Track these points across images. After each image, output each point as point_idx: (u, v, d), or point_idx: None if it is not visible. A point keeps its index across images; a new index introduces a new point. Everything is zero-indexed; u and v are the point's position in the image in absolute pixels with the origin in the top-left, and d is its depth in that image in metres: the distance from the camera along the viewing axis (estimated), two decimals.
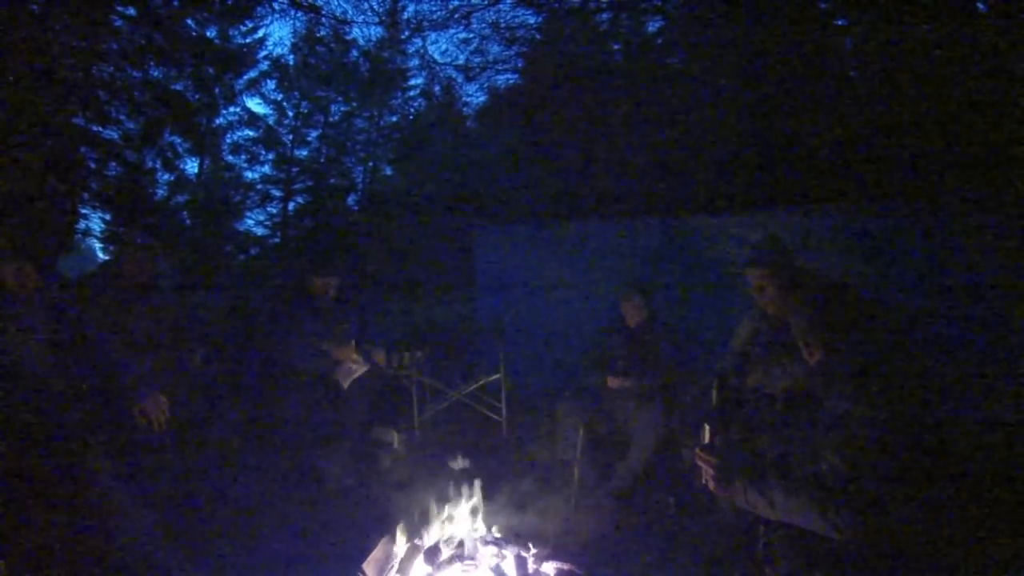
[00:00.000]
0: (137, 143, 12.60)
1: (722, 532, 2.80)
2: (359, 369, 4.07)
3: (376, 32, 16.98)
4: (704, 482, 2.02)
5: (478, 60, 10.88)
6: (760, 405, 2.75)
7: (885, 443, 1.68)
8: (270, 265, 16.00)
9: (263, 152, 18.39)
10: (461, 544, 2.55)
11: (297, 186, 18.84)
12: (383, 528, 2.63)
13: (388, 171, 19.93)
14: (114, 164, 12.04)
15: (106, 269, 3.44)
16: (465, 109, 17.46)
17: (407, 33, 15.32)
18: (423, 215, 14.95)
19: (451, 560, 2.45)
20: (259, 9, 13.05)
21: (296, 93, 18.62)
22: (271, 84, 18.20)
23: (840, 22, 8.90)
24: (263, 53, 17.59)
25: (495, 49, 10.60)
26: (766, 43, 8.04)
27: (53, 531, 2.04)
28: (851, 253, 4.98)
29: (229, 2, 13.19)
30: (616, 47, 12.23)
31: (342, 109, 19.33)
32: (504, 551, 2.53)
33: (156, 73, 11.87)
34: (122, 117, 11.83)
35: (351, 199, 19.67)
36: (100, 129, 11.43)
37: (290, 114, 18.72)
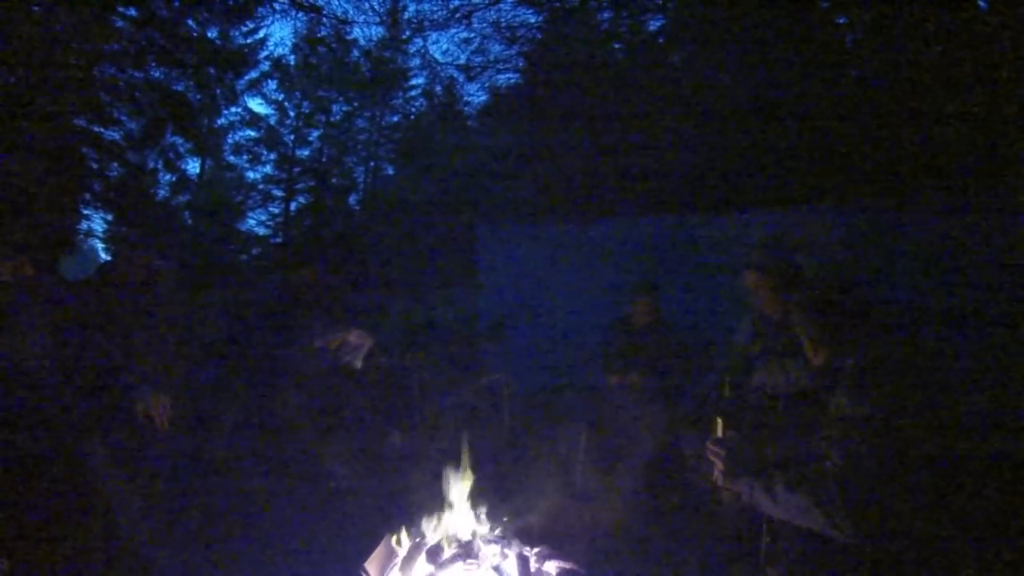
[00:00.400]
0: (138, 144, 12.60)
1: (724, 531, 2.79)
2: (363, 345, 4.03)
3: (377, 32, 16.98)
4: (713, 475, 2.01)
5: (479, 60, 10.89)
6: (763, 404, 2.74)
7: (888, 443, 1.67)
8: (272, 265, 16.02)
9: (264, 152, 18.43)
10: (463, 543, 2.54)
11: (299, 186, 18.87)
12: (385, 527, 2.63)
13: (389, 171, 19.95)
14: (116, 165, 12.04)
15: (108, 270, 3.43)
16: (466, 109, 17.47)
17: (408, 33, 15.33)
18: (425, 215, 14.94)
19: (453, 559, 2.44)
20: (260, 9, 13.03)
21: (297, 93, 18.65)
22: (272, 84, 18.25)
23: (841, 20, 8.90)
24: (264, 53, 17.64)
25: (496, 48, 10.61)
26: (767, 42, 8.03)
27: (56, 528, 2.04)
28: (854, 252, 4.97)
29: (230, 3, 13.19)
30: (617, 46, 12.22)
31: (343, 109, 19.35)
32: (506, 550, 2.52)
33: (157, 74, 11.86)
34: (123, 118, 11.84)
35: (353, 199, 19.70)
36: (101, 130, 11.44)
37: (291, 114, 18.75)
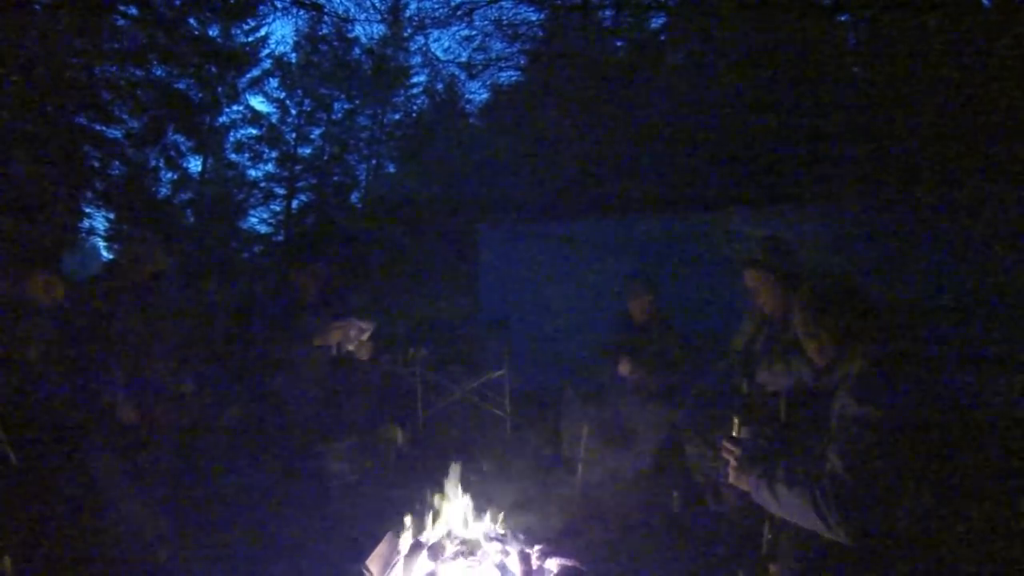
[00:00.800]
0: (140, 142, 12.61)
1: (726, 528, 2.80)
2: (365, 332, 4.02)
3: (378, 30, 17.01)
4: (719, 472, 2.01)
5: (480, 57, 10.86)
6: (764, 403, 2.75)
7: (891, 446, 1.67)
8: (274, 263, 16.04)
9: (266, 150, 18.43)
10: (465, 540, 2.55)
11: (300, 184, 18.88)
12: (387, 524, 2.63)
13: (391, 169, 19.94)
14: (117, 163, 12.06)
15: (110, 268, 3.44)
16: (468, 107, 17.47)
17: (409, 31, 15.33)
18: (426, 213, 14.94)
19: (455, 556, 2.45)
20: (262, 7, 13.07)
21: (299, 91, 18.64)
22: (274, 82, 18.24)
23: (843, 18, 8.88)
24: (266, 51, 17.64)
25: (497, 46, 10.58)
26: (768, 40, 8.02)
27: (56, 526, 2.05)
28: (856, 250, 4.96)
29: (232, 1, 13.19)
30: (618, 44, 12.21)
31: (345, 107, 19.35)
32: (508, 547, 2.53)
33: (159, 72, 11.88)
34: (125, 116, 11.85)
35: (354, 197, 19.70)
36: (103, 128, 11.45)
37: (293, 112, 18.76)
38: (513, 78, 12.13)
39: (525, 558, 2.44)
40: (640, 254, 5.85)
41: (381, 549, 2.45)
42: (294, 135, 18.78)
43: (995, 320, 4.44)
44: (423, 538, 2.55)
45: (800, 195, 7.44)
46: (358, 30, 17.29)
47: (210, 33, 14.22)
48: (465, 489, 2.77)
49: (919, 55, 7.21)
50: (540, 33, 11.03)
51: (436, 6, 9.48)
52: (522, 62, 11.50)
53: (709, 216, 5.82)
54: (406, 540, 2.52)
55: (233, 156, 18.20)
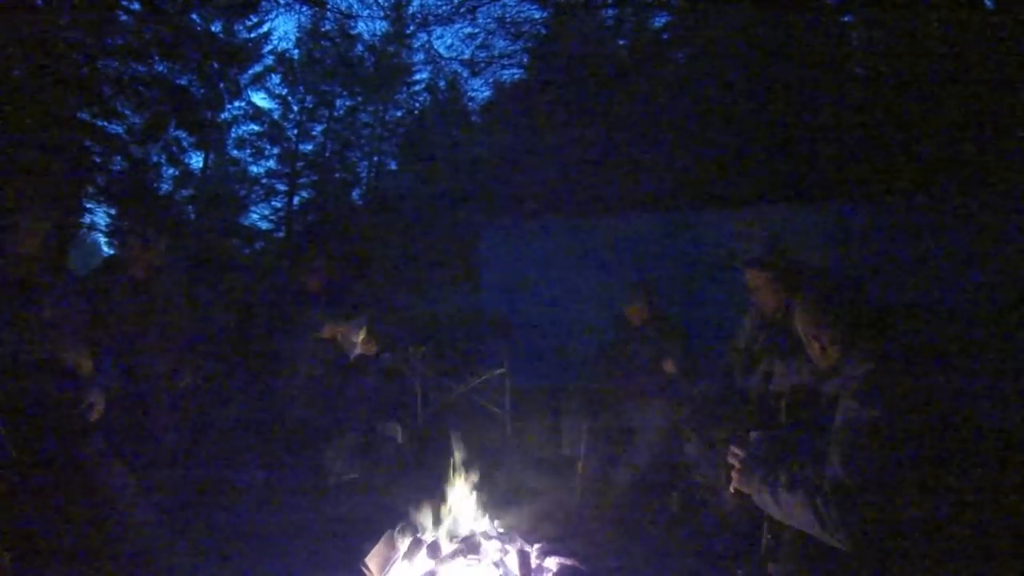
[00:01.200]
0: (142, 138, 12.61)
1: (725, 528, 2.80)
2: (359, 336, 4.03)
3: (381, 27, 16.94)
4: (728, 476, 2.00)
5: (483, 55, 10.83)
6: (764, 404, 2.74)
7: (894, 450, 1.66)
8: (275, 259, 16.04)
9: (268, 147, 18.41)
10: (464, 539, 2.55)
11: (302, 181, 18.86)
12: (386, 523, 2.63)
13: (393, 166, 19.92)
14: (119, 158, 12.06)
15: (110, 263, 3.44)
16: (470, 104, 17.45)
17: (412, 28, 15.29)
18: (428, 210, 14.94)
19: (454, 555, 2.45)
20: (264, 4, 13.03)
21: (301, 88, 18.61)
22: (276, 79, 18.20)
23: (847, 18, 8.86)
24: (268, 48, 17.59)
25: (500, 44, 10.56)
26: (771, 38, 8.00)
27: (56, 522, 2.05)
28: (858, 250, 4.95)
29: None
30: (621, 42, 12.19)
31: (347, 104, 19.32)
32: (507, 546, 2.53)
33: (161, 68, 11.87)
34: (127, 112, 11.84)
35: (356, 194, 19.69)
36: (105, 124, 11.45)
37: (295, 109, 18.73)
38: (516, 76, 12.12)
39: (524, 557, 2.44)
40: (641, 253, 5.84)
41: (380, 547, 2.45)
42: (296, 131, 18.76)
43: (1000, 322, 4.42)
44: (422, 536, 2.55)
45: (801, 194, 7.43)
46: (361, 26, 17.23)
47: (212, 29, 14.22)
48: (465, 487, 2.77)
49: (923, 53, 7.19)
50: (543, 31, 11.02)
51: (439, 3, 9.47)
52: (525, 60, 11.49)
53: (711, 215, 5.81)
54: (405, 538, 2.52)
55: (235, 152, 18.20)
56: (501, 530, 2.68)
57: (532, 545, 2.59)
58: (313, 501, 3.44)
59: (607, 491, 3.61)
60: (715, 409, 3.15)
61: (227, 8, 13.40)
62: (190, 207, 16.62)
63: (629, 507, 3.43)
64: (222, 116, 16.93)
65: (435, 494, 2.71)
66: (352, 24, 16.27)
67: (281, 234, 18.22)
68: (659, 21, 11.54)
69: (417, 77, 19.25)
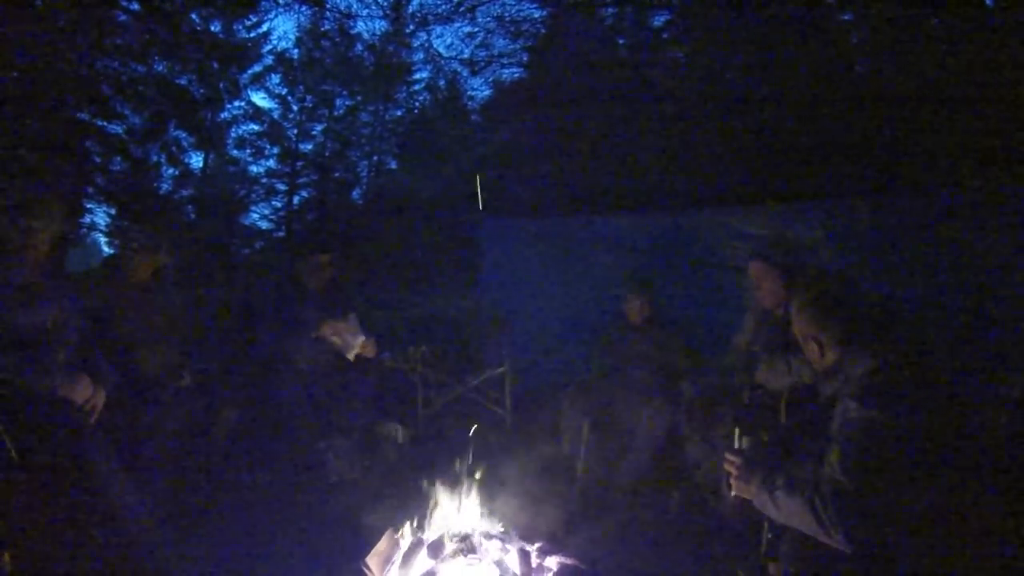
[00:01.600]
0: (141, 138, 12.62)
1: (726, 528, 2.80)
2: (356, 339, 4.03)
3: (381, 26, 16.91)
4: (729, 484, 2.00)
5: (483, 54, 10.85)
6: (764, 403, 2.74)
7: (892, 451, 1.66)
8: (275, 258, 16.04)
9: (268, 146, 18.38)
10: (465, 538, 2.55)
11: (302, 180, 18.84)
12: (387, 522, 2.63)
13: (393, 165, 19.90)
14: (119, 159, 12.06)
15: (111, 264, 3.44)
16: (470, 103, 17.43)
17: (412, 27, 15.27)
18: (428, 209, 14.93)
19: (454, 554, 2.45)
20: (263, 3, 13.04)
21: (301, 87, 18.59)
22: (276, 78, 18.16)
23: (847, 16, 8.85)
24: (268, 47, 17.55)
25: (500, 43, 10.57)
26: (772, 37, 8.00)
27: (56, 522, 2.04)
28: (858, 249, 4.94)
29: None
30: (621, 41, 12.18)
31: (347, 103, 19.29)
32: (508, 545, 2.53)
33: (160, 68, 11.86)
34: (127, 112, 11.84)
35: (356, 193, 19.68)
36: (104, 124, 11.45)
37: (295, 108, 18.69)
38: (516, 75, 12.11)
39: (525, 556, 2.44)
40: (643, 251, 5.84)
41: (381, 547, 2.45)
42: (296, 131, 18.74)
43: (1000, 323, 4.41)
44: (423, 536, 2.55)
45: (802, 194, 7.42)
46: (360, 26, 17.20)
47: (212, 29, 14.20)
48: (465, 487, 2.76)
49: (923, 51, 7.19)
50: (543, 30, 11.01)
51: (439, 2, 9.47)
52: (525, 59, 11.48)
53: (712, 214, 5.80)
54: (406, 538, 2.52)
55: (235, 152, 18.18)
56: (501, 529, 2.67)
57: (532, 544, 2.59)
58: (313, 501, 3.44)
59: (607, 491, 3.61)
60: (715, 409, 3.15)
61: (227, 7, 13.38)
62: (190, 207, 16.61)
63: (629, 507, 3.43)
64: (222, 116, 16.91)
65: (435, 494, 2.71)
66: (351, 23, 16.26)
67: (281, 233, 18.21)
68: (660, 19, 11.54)
69: (417, 76, 19.24)
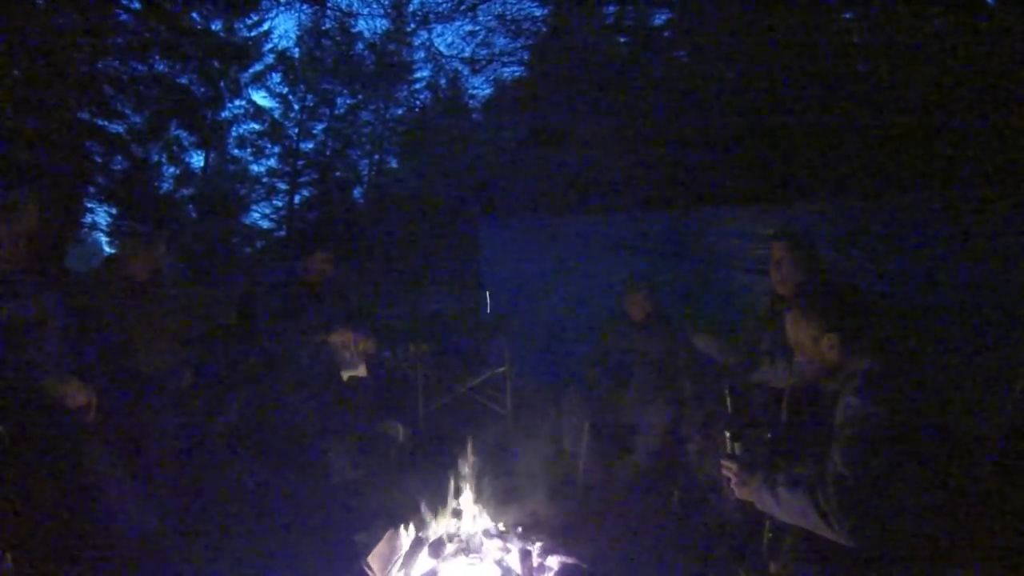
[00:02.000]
0: (143, 137, 12.63)
1: (727, 527, 2.79)
2: (355, 359, 4.03)
3: (382, 24, 16.95)
4: (730, 488, 2.00)
5: (484, 53, 10.85)
6: (766, 402, 2.74)
7: (894, 445, 1.66)
8: (276, 258, 16.07)
9: (269, 145, 18.46)
10: (465, 537, 2.55)
11: (303, 179, 18.89)
12: (388, 522, 2.63)
13: (394, 164, 19.93)
14: (120, 158, 12.08)
15: (112, 263, 3.44)
16: (471, 102, 17.46)
17: (413, 25, 15.27)
18: (429, 208, 14.95)
19: (456, 554, 2.45)
20: (264, 2, 13.05)
21: (302, 86, 18.63)
22: (276, 77, 18.24)
23: (848, 15, 8.84)
24: (268, 46, 17.64)
25: (501, 41, 10.57)
26: (772, 36, 7.98)
27: (56, 522, 2.05)
28: (858, 248, 4.93)
29: None
30: (622, 40, 12.17)
31: (348, 102, 19.35)
32: (508, 545, 2.53)
33: (161, 67, 11.88)
34: (128, 111, 11.87)
35: (357, 192, 19.72)
36: (106, 123, 11.47)
37: (296, 107, 18.76)
38: (516, 73, 12.11)
39: (526, 555, 2.44)
40: (643, 250, 5.83)
41: (382, 547, 2.45)
42: (297, 130, 18.78)
43: (1000, 319, 4.40)
44: (424, 535, 2.55)
45: (803, 193, 7.42)
46: (361, 25, 17.24)
47: (213, 28, 14.22)
48: (466, 486, 2.77)
49: (925, 50, 7.17)
50: (543, 28, 11.00)
51: (440, 1, 9.46)
52: (526, 57, 11.48)
53: (712, 213, 5.79)
54: (407, 537, 2.52)
55: (236, 151, 18.23)
56: (503, 529, 2.68)
57: (534, 544, 2.59)
58: (315, 501, 3.44)
59: (608, 491, 3.61)
60: (716, 408, 3.15)
61: (228, 6, 13.38)
62: (191, 206, 16.64)
63: (630, 507, 3.43)
64: (223, 115, 16.96)
65: (436, 493, 2.71)
66: (352, 22, 16.28)
67: (282, 233, 18.25)
68: (660, 18, 11.54)
69: (418, 75, 19.27)
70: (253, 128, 18.10)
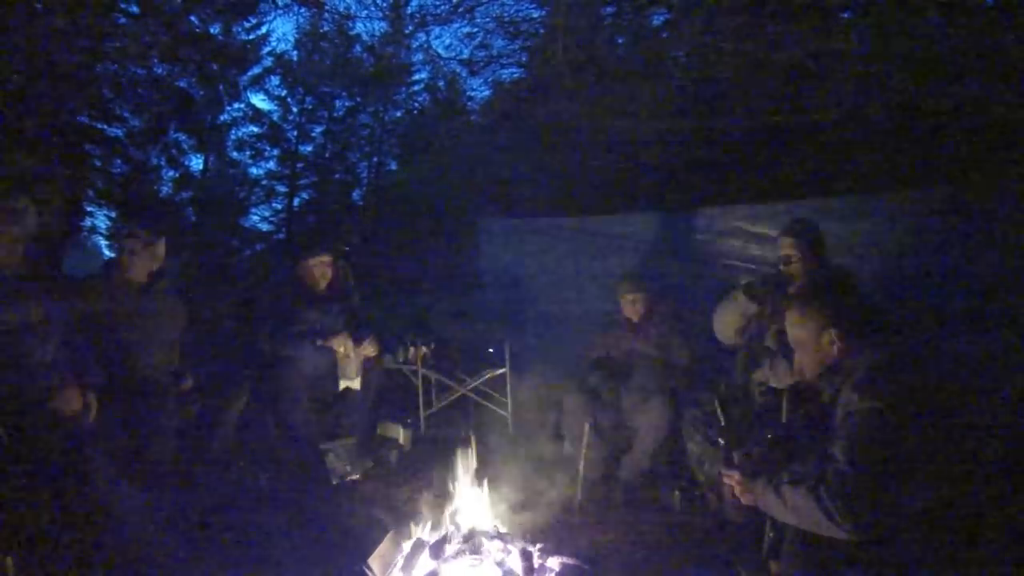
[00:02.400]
0: (142, 140, 12.62)
1: (727, 527, 2.80)
2: (350, 368, 4.04)
3: (380, 27, 16.89)
4: (733, 496, 2.00)
5: (482, 54, 10.81)
6: (767, 401, 2.74)
7: (895, 440, 1.66)
8: (276, 260, 16.06)
9: (268, 148, 18.42)
10: (467, 539, 2.55)
11: (302, 182, 18.88)
12: (389, 523, 2.63)
13: (393, 166, 19.93)
14: (119, 161, 12.08)
15: (111, 266, 3.45)
16: (469, 104, 17.43)
17: (411, 28, 15.23)
18: (428, 210, 14.94)
19: (456, 555, 2.45)
20: (263, 5, 13.04)
21: (300, 89, 18.62)
22: (275, 80, 18.21)
23: (847, 14, 8.83)
24: (267, 49, 17.58)
25: (499, 43, 10.53)
26: (771, 37, 7.98)
27: (58, 525, 2.05)
28: (859, 246, 4.93)
29: None
30: (620, 41, 12.16)
31: (346, 104, 19.33)
32: (509, 546, 2.53)
33: (160, 70, 11.87)
34: (127, 114, 11.86)
35: (356, 194, 19.71)
36: (105, 126, 11.46)
37: (294, 110, 18.74)
38: (515, 75, 12.09)
39: (527, 556, 2.44)
40: (642, 251, 5.83)
41: (383, 548, 2.45)
42: (295, 133, 18.78)
43: (1000, 314, 4.40)
44: (425, 536, 2.55)
45: (802, 193, 7.42)
46: (359, 27, 17.22)
47: (211, 31, 14.21)
48: (467, 487, 2.77)
49: (923, 49, 7.17)
50: (542, 30, 10.99)
51: (438, 3, 9.44)
52: (524, 59, 11.46)
53: (711, 213, 5.79)
54: (408, 539, 2.52)
55: (235, 154, 18.21)
56: (503, 530, 2.68)
57: (534, 545, 2.59)
58: (316, 503, 3.44)
59: (609, 490, 3.62)
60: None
61: (226, 9, 13.38)
62: (190, 209, 16.63)
63: (630, 507, 3.44)
64: (222, 118, 16.94)
65: (437, 494, 2.71)
66: (350, 25, 16.26)
67: (282, 235, 18.24)
68: (659, 19, 11.53)
69: (416, 77, 19.26)
70: (252, 131, 18.09)
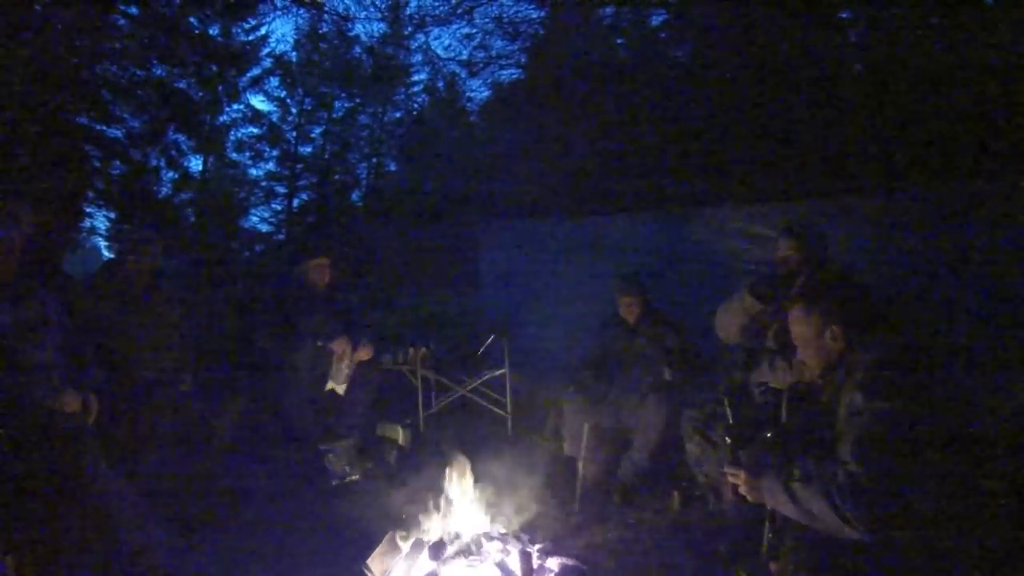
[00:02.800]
0: (141, 141, 12.61)
1: (726, 527, 2.79)
2: (342, 373, 4.03)
3: (379, 28, 16.97)
4: (735, 492, 2.00)
5: (481, 55, 10.83)
6: (767, 401, 2.73)
7: (902, 439, 1.66)
8: (275, 261, 16.06)
9: (267, 149, 18.47)
10: (466, 540, 2.55)
11: (301, 183, 18.91)
12: (388, 524, 2.63)
13: (392, 167, 19.96)
14: (118, 162, 12.05)
15: (111, 267, 3.45)
16: (469, 104, 17.46)
17: (410, 29, 15.27)
18: (427, 211, 14.96)
19: (456, 556, 2.45)
20: (262, 6, 13.02)
21: (299, 90, 18.65)
22: (274, 81, 18.25)
23: (845, 14, 8.85)
24: (266, 50, 17.61)
25: (498, 44, 10.56)
26: (769, 36, 8.00)
27: (57, 526, 2.05)
28: (860, 245, 4.93)
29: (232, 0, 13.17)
30: (620, 41, 12.19)
31: (345, 105, 19.37)
32: (509, 546, 2.53)
33: (159, 71, 11.87)
34: (126, 116, 11.85)
35: (355, 195, 19.73)
36: (104, 128, 11.45)
37: (294, 111, 18.78)
38: (514, 76, 12.12)
39: (526, 557, 2.44)
40: (642, 251, 5.83)
41: (382, 549, 2.45)
42: (295, 134, 18.81)
43: (1005, 314, 4.40)
44: (424, 537, 2.55)
45: (806, 191, 7.42)
46: (358, 28, 17.28)
47: (210, 32, 14.22)
48: (466, 488, 2.77)
49: (923, 49, 7.18)
50: (541, 31, 11.01)
51: (436, 4, 9.46)
52: (523, 60, 11.48)
53: (713, 213, 5.78)
54: (407, 540, 2.52)
55: (234, 155, 18.23)
56: (503, 530, 2.68)
57: (534, 545, 2.59)
58: (315, 503, 3.44)
59: (608, 490, 3.61)
60: (716, 408, 3.14)
61: (225, 11, 13.39)
62: (189, 210, 16.63)
63: (630, 508, 3.43)
64: (221, 119, 16.95)
65: (437, 495, 2.71)
66: (349, 26, 16.29)
67: (281, 236, 18.26)
68: (657, 19, 11.56)
69: (415, 78, 19.29)
70: (251, 132, 18.13)
